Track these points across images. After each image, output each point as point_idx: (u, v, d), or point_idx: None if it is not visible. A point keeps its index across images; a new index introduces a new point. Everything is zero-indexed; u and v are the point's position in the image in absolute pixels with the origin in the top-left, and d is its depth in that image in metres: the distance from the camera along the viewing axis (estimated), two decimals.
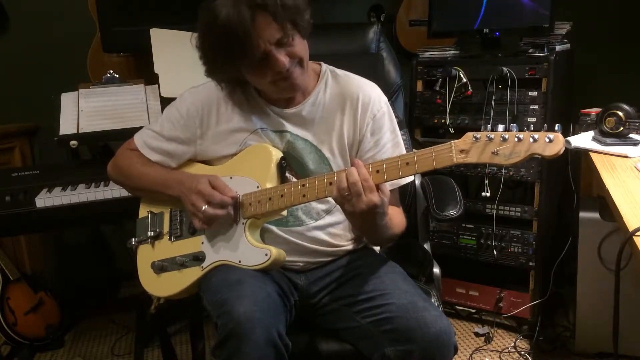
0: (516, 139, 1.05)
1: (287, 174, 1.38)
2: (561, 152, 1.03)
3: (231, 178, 1.35)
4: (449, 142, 1.11)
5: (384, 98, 1.45)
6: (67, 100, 2.10)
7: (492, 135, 1.07)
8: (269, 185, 1.31)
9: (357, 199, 1.15)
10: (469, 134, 1.09)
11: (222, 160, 1.42)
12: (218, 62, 1.30)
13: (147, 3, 2.38)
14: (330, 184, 1.21)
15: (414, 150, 1.16)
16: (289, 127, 1.40)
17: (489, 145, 1.07)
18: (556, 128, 1.04)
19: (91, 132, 2.02)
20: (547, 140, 1.03)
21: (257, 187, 1.32)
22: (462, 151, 1.09)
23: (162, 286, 1.43)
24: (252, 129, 1.40)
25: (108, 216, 2.04)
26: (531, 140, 1.04)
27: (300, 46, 1.29)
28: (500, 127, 1.08)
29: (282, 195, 1.27)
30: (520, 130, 1.06)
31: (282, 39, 1.24)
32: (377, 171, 1.17)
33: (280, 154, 1.36)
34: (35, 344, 2.38)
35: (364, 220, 1.21)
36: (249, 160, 1.37)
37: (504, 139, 1.06)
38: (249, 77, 1.33)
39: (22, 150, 2.63)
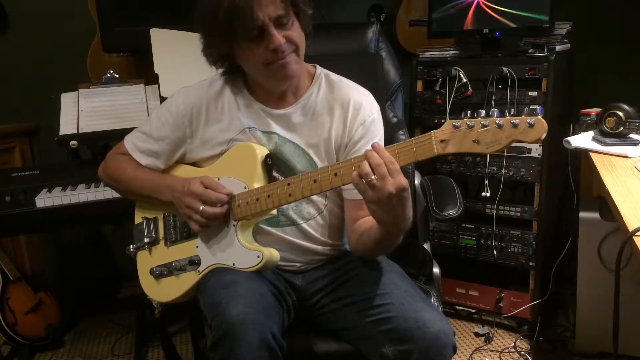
0: (496, 125, 1.01)
1: (276, 174, 1.37)
2: (543, 136, 0.98)
3: (219, 179, 1.33)
4: (428, 133, 1.07)
5: (376, 105, 1.43)
6: (67, 100, 2.10)
7: (472, 122, 1.03)
8: (256, 185, 1.30)
9: (382, 182, 1.09)
10: (449, 122, 1.05)
11: (209, 162, 1.41)
12: (215, 34, 1.26)
13: (147, 3, 2.37)
14: (315, 181, 1.20)
15: (395, 144, 1.12)
16: (277, 129, 1.38)
17: (469, 133, 1.03)
18: (538, 110, 0.99)
19: (91, 132, 2.02)
20: (527, 124, 0.99)
21: (245, 187, 1.31)
22: (442, 141, 1.06)
23: (162, 291, 1.44)
24: (239, 129, 1.38)
25: (108, 216, 2.04)
26: (511, 125, 1.00)
27: (298, 34, 1.28)
28: (482, 112, 1.03)
29: (269, 196, 1.26)
30: (502, 114, 1.02)
31: (281, 18, 1.23)
32: (359, 167, 1.14)
33: (265, 151, 1.34)
34: (35, 344, 2.37)
35: (391, 208, 1.12)
36: (235, 161, 1.36)
37: (484, 126, 1.02)
38: (244, 57, 1.28)
39: (22, 150, 2.63)
